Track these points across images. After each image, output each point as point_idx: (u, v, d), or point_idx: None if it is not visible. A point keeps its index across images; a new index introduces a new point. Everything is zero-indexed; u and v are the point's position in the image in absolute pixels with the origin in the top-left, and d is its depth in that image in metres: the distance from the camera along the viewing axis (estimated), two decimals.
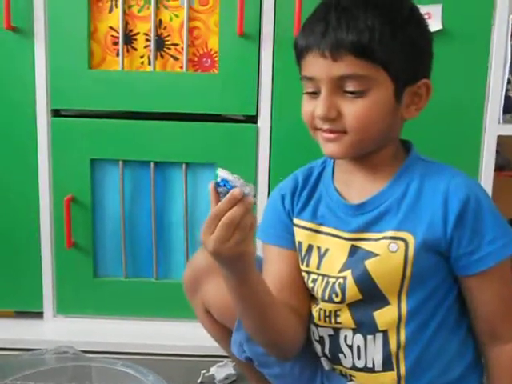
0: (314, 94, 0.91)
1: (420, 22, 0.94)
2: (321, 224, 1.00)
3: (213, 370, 1.45)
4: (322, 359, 1.04)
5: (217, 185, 0.82)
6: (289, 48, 1.49)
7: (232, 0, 1.49)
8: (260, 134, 1.57)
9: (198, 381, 1.44)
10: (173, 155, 1.60)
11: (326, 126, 0.91)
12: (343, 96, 0.89)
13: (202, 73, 1.58)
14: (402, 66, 0.89)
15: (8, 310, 1.70)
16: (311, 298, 1.03)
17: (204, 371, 1.44)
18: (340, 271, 0.96)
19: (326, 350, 1.01)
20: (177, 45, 1.57)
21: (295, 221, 1.03)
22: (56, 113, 1.61)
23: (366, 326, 0.96)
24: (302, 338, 1.01)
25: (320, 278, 0.99)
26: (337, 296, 0.96)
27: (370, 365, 0.97)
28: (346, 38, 0.86)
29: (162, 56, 1.58)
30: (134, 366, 1.12)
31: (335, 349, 1.00)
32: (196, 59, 1.57)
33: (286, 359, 1.04)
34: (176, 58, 1.57)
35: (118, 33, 1.55)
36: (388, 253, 0.92)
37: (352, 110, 0.89)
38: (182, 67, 1.57)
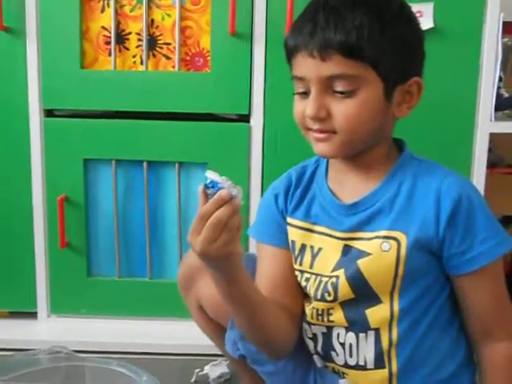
0: (305, 94, 0.92)
1: (410, 19, 0.94)
2: (314, 223, 1.00)
3: (207, 368, 1.45)
4: (315, 357, 1.05)
5: (205, 187, 0.82)
6: (281, 47, 1.48)
7: None
8: (253, 133, 1.57)
9: (192, 380, 1.44)
10: (166, 155, 1.60)
11: (315, 126, 0.91)
12: (333, 96, 0.89)
13: (195, 72, 1.58)
14: (391, 65, 0.89)
15: (2, 310, 1.69)
16: (304, 296, 1.03)
17: (198, 370, 1.44)
18: (333, 270, 0.97)
19: (319, 348, 1.02)
20: (169, 44, 1.57)
21: (288, 220, 1.03)
22: (49, 113, 1.61)
23: (358, 324, 0.96)
24: (294, 336, 1.02)
25: (313, 277, 0.99)
26: (329, 295, 0.97)
27: (361, 362, 0.97)
28: (333, 37, 0.86)
29: (154, 55, 1.57)
30: (128, 365, 1.12)
31: (328, 346, 1.00)
32: (188, 58, 1.57)
33: (279, 358, 1.04)
34: (168, 58, 1.57)
35: (110, 32, 1.55)
36: (380, 252, 0.92)
37: (341, 109, 0.89)
38: (174, 67, 1.57)
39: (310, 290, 0.99)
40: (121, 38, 1.56)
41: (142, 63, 1.57)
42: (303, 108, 0.91)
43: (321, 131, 0.91)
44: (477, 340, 0.96)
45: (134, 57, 1.58)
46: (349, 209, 0.96)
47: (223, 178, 0.82)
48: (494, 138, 1.58)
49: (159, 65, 1.58)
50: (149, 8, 1.54)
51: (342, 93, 0.88)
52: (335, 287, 0.95)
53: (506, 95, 1.65)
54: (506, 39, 1.63)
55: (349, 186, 0.98)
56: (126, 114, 1.58)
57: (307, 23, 0.89)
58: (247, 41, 1.53)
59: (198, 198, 0.83)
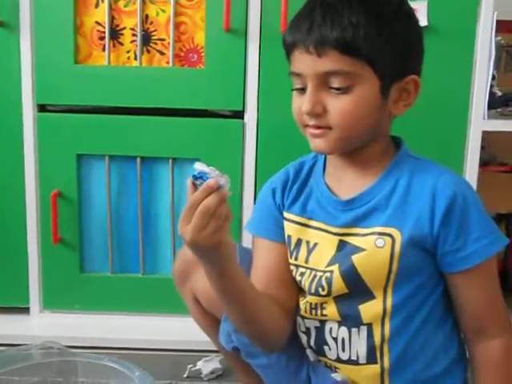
0: (303, 90, 0.92)
1: (409, 17, 0.94)
2: (310, 218, 1.00)
3: (199, 364, 1.45)
4: (308, 351, 1.05)
5: (194, 178, 0.83)
6: (275, 43, 1.50)
7: None
8: (246, 130, 1.57)
9: (185, 375, 1.44)
10: (159, 150, 1.60)
11: (311, 122, 0.91)
12: (329, 92, 0.90)
13: (189, 68, 1.58)
14: (388, 62, 0.89)
15: None
16: (299, 290, 1.04)
17: (190, 366, 1.45)
18: (327, 265, 0.97)
19: (312, 342, 1.02)
20: (163, 40, 1.57)
21: (285, 214, 1.03)
22: (42, 108, 1.60)
23: (350, 319, 0.97)
24: (288, 330, 1.02)
25: (308, 271, 1.00)
26: (323, 289, 0.97)
27: (354, 357, 0.97)
28: (330, 34, 0.86)
29: (148, 51, 1.57)
30: (121, 361, 1.12)
31: (320, 341, 1.01)
32: (182, 54, 1.57)
33: (272, 351, 1.05)
34: (162, 53, 1.57)
35: (104, 27, 1.55)
36: (374, 248, 0.93)
37: (337, 106, 0.89)
38: (168, 62, 1.57)
39: (305, 284, 1.00)
40: (115, 33, 1.56)
41: (136, 59, 1.57)
42: (300, 104, 0.92)
43: (316, 127, 0.91)
44: (470, 337, 0.97)
45: (128, 52, 1.57)
46: (345, 205, 0.97)
47: (211, 168, 0.83)
48: (487, 136, 1.59)
49: (153, 60, 1.58)
50: (143, 3, 1.54)
51: (337, 89, 0.89)
52: (329, 282, 0.96)
53: (499, 93, 1.66)
54: (498, 38, 1.64)
55: (345, 182, 0.98)
56: (120, 109, 1.58)
57: (304, 20, 0.89)
58: (241, 37, 1.53)
59: (187, 189, 0.83)
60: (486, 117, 1.55)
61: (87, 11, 1.55)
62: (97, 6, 1.55)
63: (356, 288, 0.94)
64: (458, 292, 0.95)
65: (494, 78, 1.58)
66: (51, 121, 1.60)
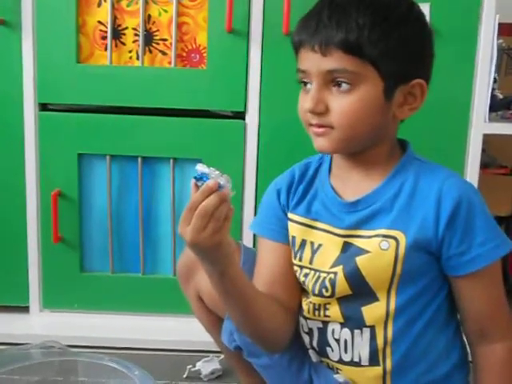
0: (307, 87, 0.93)
1: (418, 21, 0.94)
2: (315, 220, 1.01)
3: (199, 364, 1.45)
4: (310, 351, 1.05)
5: (196, 179, 0.84)
6: (277, 44, 1.52)
7: None
8: (248, 130, 1.57)
9: (184, 376, 1.44)
10: (160, 150, 1.60)
11: (314, 121, 0.92)
12: (332, 91, 0.90)
13: (191, 68, 1.58)
14: (392, 65, 0.89)
15: None
16: (302, 291, 1.04)
17: (190, 366, 1.45)
18: (332, 267, 0.97)
19: (314, 343, 1.02)
20: (165, 40, 1.57)
21: (290, 215, 1.03)
22: (43, 107, 1.60)
23: (353, 321, 0.97)
24: (290, 331, 1.03)
25: (312, 272, 1.00)
26: (327, 290, 0.97)
27: (356, 359, 0.97)
28: (335, 35, 0.87)
29: (150, 51, 1.57)
30: (121, 360, 1.12)
31: (323, 342, 1.01)
32: (184, 55, 1.57)
33: (274, 352, 1.05)
34: (164, 53, 1.57)
35: (106, 27, 1.55)
36: (379, 250, 0.93)
37: (339, 105, 0.90)
38: (170, 62, 1.57)
39: (308, 285, 1.00)
40: (117, 33, 1.56)
41: (138, 58, 1.57)
42: (304, 102, 0.93)
43: (319, 126, 0.92)
44: (473, 340, 0.97)
45: (130, 52, 1.57)
46: (350, 206, 0.97)
47: (211, 168, 0.83)
48: (487, 139, 1.59)
49: (155, 60, 1.58)
50: (146, 3, 1.54)
51: (340, 88, 0.89)
52: (333, 283, 0.96)
53: (500, 96, 1.66)
54: (500, 41, 1.64)
55: (351, 183, 0.99)
56: (122, 109, 1.58)
57: (312, 19, 0.90)
58: (244, 38, 1.53)
59: (191, 190, 0.84)
60: (487, 120, 1.55)
61: (89, 10, 1.55)
62: (99, 5, 1.55)
63: (359, 290, 0.95)
64: (461, 295, 0.95)
65: (495, 80, 1.58)
66: (52, 120, 1.60)
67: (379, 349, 0.96)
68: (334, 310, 0.98)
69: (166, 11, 1.55)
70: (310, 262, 1.00)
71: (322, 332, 1.00)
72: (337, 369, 1.01)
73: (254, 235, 1.57)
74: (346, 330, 0.98)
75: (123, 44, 1.57)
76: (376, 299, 0.94)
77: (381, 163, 0.97)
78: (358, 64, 0.88)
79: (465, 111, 1.56)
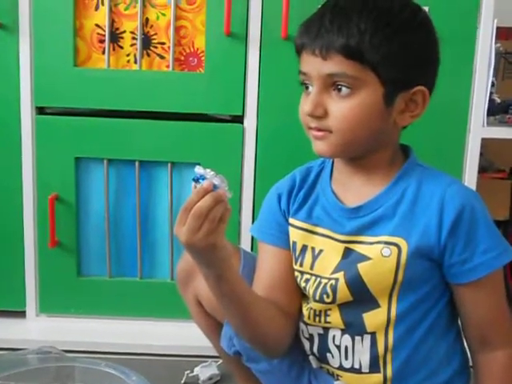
0: (308, 90, 0.93)
1: (423, 27, 0.93)
2: (316, 225, 1.00)
3: (197, 370, 1.44)
4: (311, 357, 1.04)
5: (194, 181, 0.84)
6: (276, 48, 1.51)
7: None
8: (246, 134, 1.57)
9: (182, 381, 1.43)
10: (158, 154, 1.60)
11: (313, 124, 0.92)
12: (331, 95, 0.90)
13: (189, 72, 1.57)
14: (393, 71, 0.89)
15: None
16: (302, 296, 1.03)
17: (188, 371, 1.44)
18: (333, 273, 0.96)
19: (315, 349, 1.02)
20: (163, 43, 1.56)
21: (290, 220, 1.03)
22: (40, 110, 1.60)
23: (354, 327, 0.96)
24: (290, 337, 1.02)
25: (313, 278, 0.99)
26: (328, 297, 0.97)
27: (356, 366, 0.97)
28: (336, 40, 0.87)
29: (148, 55, 1.57)
30: (118, 366, 1.11)
31: (323, 348, 1.00)
32: (182, 58, 1.57)
33: (273, 357, 1.05)
34: (162, 57, 1.57)
35: (104, 30, 1.54)
36: (380, 257, 0.92)
37: (337, 109, 0.89)
38: (168, 66, 1.56)
39: (309, 290, 0.99)
40: (115, 37, 1.56)
41: (135, 62, 1.56)
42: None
43: (318, 129, 0.92)
44: (474, 347, 0.96)
45: (127, 56, 1.57)
46: (351, 212, 0.96)
47: (207, 170, 0.84)
48: (484, 143, 1.59)
49: (153, 64, 1.57)
50: (144, 7, 1.54)
51: (340, 92, 0.89)
52: (334, 289, 0.95)
53: (498, 101, 1.66)
54: (498, 45, 1.64)
55: (352, 189, 0.98)
56: (119, 112, 1.58)
57: (314, 23, 0.90)
58: (242, 42, 1.52)
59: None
60: (485, 124, 1.55)
61: (87, 14, 1.55)
62: (97, 8, 1.55)
63: (361, 296, 0.94)
64: (463, 303, 0.94)
65: (493, 85, 1.58)
66: (50, 123, 1.59)
67: (380, 355, 0.95)
68: (335, 317, 0.97)
69: (163, 15, 1.55)
70: (311, 268, 1.00)
71: (323, 338, 1.00)
72: (337, 375, 1.00)
73: (252, 239, 1.56)
74: (347, 337, 0.97)
75: (121, 47, 1.57)
76: (377, 306, 0.94)
77: (383, 169, 0.96)
78: (358, 69, 0.88)
79: (463, 115, 1.56)
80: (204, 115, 1.59)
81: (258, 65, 1.54)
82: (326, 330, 0.99)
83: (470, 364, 0.99)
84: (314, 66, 0.90)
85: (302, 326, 1.03)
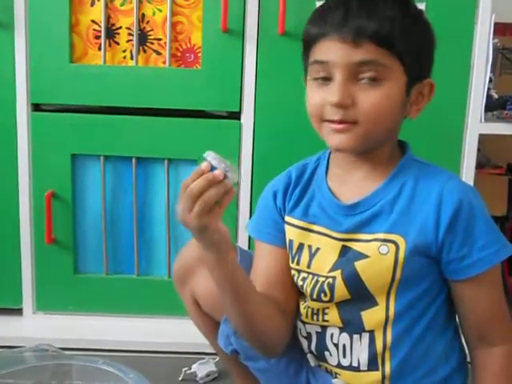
0: (324, 80, 0.90)
1: (427, 20, 0.94)
2: (312, 223, 0.99)
3: (194, 367, 1.44)
4: (309, 355, 1.04)
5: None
6: (273, 44, 1.51)
7: None
8: (243, 131, 1.56)
9: (180, 378, 1.43)
10: (155, 151, 1.59)
11: (337, 116, 0.88)
12: (358, 84, 0.88)
13: (185, 68, 1.56)
14: (415, 61, 0.89)
15: None
16: (299, 295, 1.03)
17: (185, 368, 1.44)
18: (330, 271, 0.96)
19: (313, 347, 1.01)
20: (160, 39, 1.55)
21: (286, 218, 1.02)
22: (36, 107, 1.59)
23: (352, 325, 0.96)
24: (287, 335, 1.01)
25: (310, 276, 0.98)
26: (325, 295, 0.96)
27: (355, 364, 0.96)
28: (367, 25, 0.85)
29: (144, 51, 1.56)
30: (115, 364, 1.10)
31: (321, 346, 1.00)
32: (179, 54, 1.56)
33: (271, 356, 1.04)
34: (159, 53, 1.56)
35: (100, 26, 1.54)
36: (378, 255, 0.91)
37: (368, 98, 0.87)
38: (164, 62, 1.55)
39: (307, 289, 0.99)
40: (111, 33, 1.55)
41: (132, 58, 1.55)
42: (322, 96, 0.89)
43: (341, 121, 0.88)
44: (472, 344, 0.96)
45: (124, 52, 1.56)
46: (348, 209, 0.95)
47: (210, 152, 0.83)
48: (481, 139, 1.59)
49: (149, 60, 1.57)
50: (140, 2, 1.53)
51: (369, 81, 0.87)
52: (331, 288, 0.95)
53: (496, 96, 1.66)
54: (495, 40, 1.64)
55: (349, 185, 0.97)
56: (116, 109, 1.57)
57: (338, 9, 0.87)
58: (239, 38, 1.52)
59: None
60: (482, 119, 1.55)
61: (83, 10, 1.54)
62: (92, 4, 1.54)
63: (358, 294, 0.94)
64: (461, 299, 0.94)
65: (491, 80, 1.58)
66: (46, 120, 1.58)
67: (378, 353, 0.95)
68: (333, 315, 0.97)
69: (160, 10, 1.54)
70: (308, 266, 0.99)
71: (321, 336, 1.00)
72: (335, 373, 1.00)
73: (250, 236, 1.56)
74: (345, 335, 0.97)
75: (117, 43, 1.56)
76: (375, 304, 0.94)
77: (382, 164, 0.95)
78: (387, 57, 0.87)
79: (461, 111, 1.55)
80: (201, 111, 1.59)
81: (254, 61, 1.53)
82: (324, 328, 0.99)
83: (468, 360, 0.99)
84: (341, 53, 0.87)
85: (300, 324, 1.03)
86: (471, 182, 1.55)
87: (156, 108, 1.56)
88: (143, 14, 1.54)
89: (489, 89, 1.57)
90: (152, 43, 1.56)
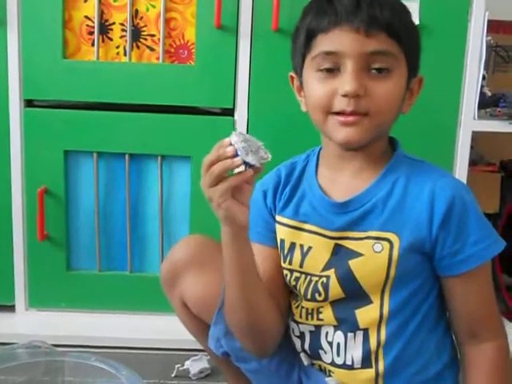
0: (329, 72, 0.88)
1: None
2: (303, 222, 0.98)
3: (187, 363, 1.44)
4: (302, 354, 1.03)
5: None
6: (267, 40, 1.51)
7: None
8: (237, 127, 1.56)
9: (173, 375, 1.43)
10: (148, 147, 1.59)
11: (350, 107, 0.87)
12: (369, 75, 0.87)
13: (179, 64, 1.56)
14: (415, 55, 0.91)
15: None
16: (291, 295, 1.03)
17: (178, 365, 1.43)
18: (323, 270, 0.96)
19: (306, 346, 1.01)
20: (153, 35, 1.55)
21: (277, 218, 1.02)
22: (29, 103, 1.58)
23: (347, 324, 0.95)
24: (281, 333, 1.01)
25: (303, 276, 0.98)
26: (319, 295, 0.96)
27: (349, 362, 0.96)
28: (380, 15, 0.85)
29: (138, 47, 1.56)
30: (108, 360, 1.10)
31: (315, 345, 0.99)
32: (172, 50, 1.56)
33: (262, 355, 1.03)
34: (152, 49, 1.56)
35: (93, 22, 1.53)
36: (372, 253, 0.91)
37: (381, 88, 0.87)
38: (158, 58, 1.55)
39: (300, 289, 0.98)
40: (104, 28, 1.54)
41: (125, 54, 1.55)
42: (332, 87, 0.88)
43: (352, 113, 0.87)
44: (463, 340, 0.96)
45: (117, 48, 1.55)
46: (340, 207, 0.95)
47: (236, 132, 0.84)
48: (474, 136, 1.59)
49: (143, 56, 1.56)
50: None
51: (380, 71, 0.87)
52: (326, 287, 0.95)
53: (489, 94, 1.66)
54: (489, 38, 1.64)
55: (341, 183, 0.97)
56: (109, 105, 1.56)
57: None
58: (232, 34, 1.51)
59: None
60: (476, 117, 1.55)
61: (76, 5, 1.53)
62: (86, 0, 1.53)
63: (353, 293, 0.93)
64: (453, 295, 0.94)
65: (484, 78, 1.58)
66: (38, 116, 1.57)
67: (372, 351, 0.95)
68: (327, 314, 0.97)
69: (153, 6, 1.54)
70: (301, 266, 0.98)
71: (315, 335, 0.99)
72: (329, 371, 0.99)
73: None
74: (340, 333, 0.96)
75: (110, 39, 1.55)
76: (370, 302, 0.94)
77: (374, 161, 0.95)
78: (396, 48, 0.87)
79: (454, 108, 1.56)
80: (194, 108, 1.58)
81: (248, 57, 1.52)
82: (318, 327, 0.98)
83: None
84: (352, 43, 0.86)
85: (293, 324, 1.02)
86: (464, 179, 1.55)
87: (149, 104, 1.56)
88: (137, 10, 1.54)
89: (482, 86, 1.58)
90: (145, 39, 1.55)
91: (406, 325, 0.94)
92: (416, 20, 1.49)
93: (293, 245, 0.99)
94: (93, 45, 1.54)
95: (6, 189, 1.59)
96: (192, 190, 1.59)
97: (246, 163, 0.83)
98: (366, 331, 0.94)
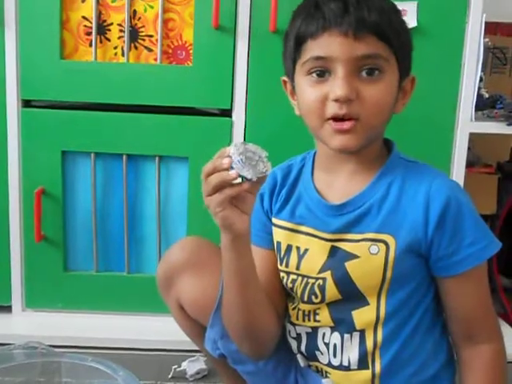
0: (320, 76, 0.88)
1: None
2: (300, 224, 0.98)
3: (184, 364, 1.44)
4: (298, 356, 1.03)
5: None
6: (264, 41, 1.51)
7: None
8: (234, 128, 1.56)
9: (170, 376, 1.43)
10: (146, 148, 1.59)
11: (342, 111, 0.86)
12: (359, 78, 0.87)
13: (177, 65, 1.56)
14: (405, 56, 0.91)
15: None
16: (288, 297, 1.02)
17: (175, 366, 1.43)
18: (319, 272, 0.95)
19: (303, 348, 1.01)
20: (151, 36, 1.55)
21: (274, 220, 1.01)
22: (26, 103, 1.58)
23: (344, 325, 0.95)
24: (277, 336, 1.01)
25: (299, 278, 0.98)
26: (316, 297, 0.96)
27: (345, 363, 0.96)
28: (368, 18, 0.85)
29: (135, 47, 1.55)
30: (105, 361, 1.10)
31: (312, 346, 0.99)
32: (170, 51, 1.56)
33: (258, 358, 1.03)
34: (150, 50, 1.56)
35: (91, 23, 1.53)
36: (368, 255, 0.91)
37: (372, 92, 0.87)
38: (156, 59, 1.55)
39: (297, 291, 0.98)
40: (102, 29, 1.54)
41: (123, 55, 1.55)
42: (323, 92, 0.88)
43: (345, 116, 0.87)
44: (459, 341, 0.96)
45: (115, 48, 1.55)
46: (336, 209, 0.95)
47: (236, 144, 0.84)
48: (471, 138, 1.60)
49: (141, 57, 1.56)
50: None
51: (370, 75, 0.87)
52: (322, 289, 0.95)
53: (486, 95, 1.67)
54: (486, 39, 1.64)
55: (336, 185, 0.97)
56: (106, 106, 1.56)
57: (335, 2, 0.86)
58: (230, 35, 1.51)
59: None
60: (473, 118, 1.55)
61: (74, 6, 1.53)
62: (83, 0, 1.53)
63: (349, 294, 0.93)
64: (449, 297, 0.94)
65: (481, 79, 1.58)
66: (36, 117, 1.57)
67: (368, 352, 0.95)
68: (324, 315, 0.97)
69: (151, 7, 1.54)
70: (297, 268, 0.98)
71: (311, 336, 0.99)
72: (326, 372, 0.99)
73: None
74: (336, 334, 0.96)
75: (108, 40, 1.55)
76: (366, 303, 0.93)
77: (370, 163, 0.95)
78: (386, 50, 0.87)
79: (451, 110, 1.56)
80: (192, 109, 1.58)
81: (246, 58, 1.53)
82: (315, 328, 0.98)
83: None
84: (343, 48, 0.85)
85: (289, 326, 1.02)
86: (461, 181, 1.56)
87: (147, 105, 1.56)
88: (134, 11, 1.54)
89: (479, 88, 1.58)
90: (143, 40, 1.55)
91: (403, 326, 0.94)
92: (414, 21, 1.49)
93: (289, 247, 0.99)
94: (90, 45, 1.54)
95: (3, 189, 1.58)
96: (189, 190, 1.59)
97: (241, 176, 0.82)
98: (362, 332, 0.94)
